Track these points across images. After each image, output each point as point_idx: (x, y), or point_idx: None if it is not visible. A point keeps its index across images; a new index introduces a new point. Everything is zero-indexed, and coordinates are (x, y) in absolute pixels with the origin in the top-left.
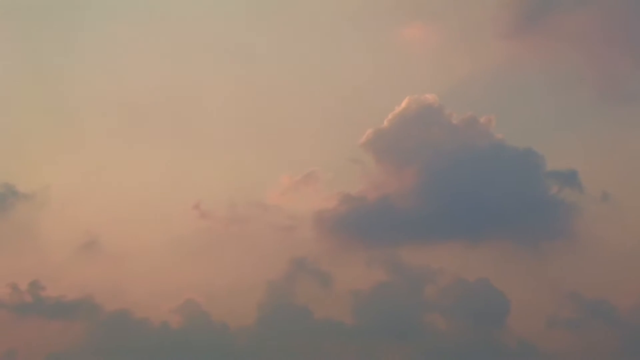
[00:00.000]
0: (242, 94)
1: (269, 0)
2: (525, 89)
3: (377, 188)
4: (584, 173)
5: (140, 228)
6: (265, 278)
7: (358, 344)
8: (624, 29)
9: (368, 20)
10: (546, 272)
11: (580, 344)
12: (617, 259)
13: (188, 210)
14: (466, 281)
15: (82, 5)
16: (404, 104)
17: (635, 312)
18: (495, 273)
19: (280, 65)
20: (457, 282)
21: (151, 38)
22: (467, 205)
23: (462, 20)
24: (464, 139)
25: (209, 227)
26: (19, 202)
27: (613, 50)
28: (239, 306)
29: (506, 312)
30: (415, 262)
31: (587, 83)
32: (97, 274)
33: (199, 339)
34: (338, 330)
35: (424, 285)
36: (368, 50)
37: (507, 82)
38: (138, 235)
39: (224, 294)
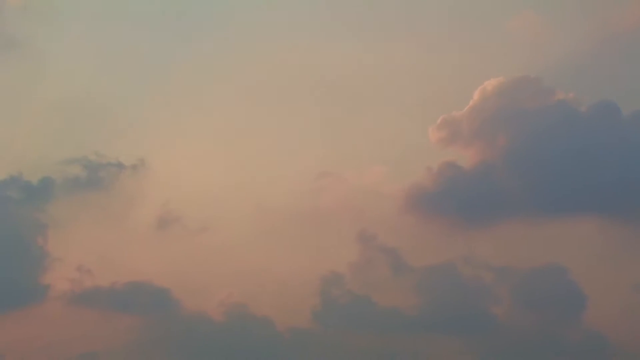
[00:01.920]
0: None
1: None
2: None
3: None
4: None
5: (221, 207)
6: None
7: (423, 336)
8: None
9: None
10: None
11: None
12: None
13: (268, 192)
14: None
15: None
16: (499, 82)
17: None
18: (571, 257)
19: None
20: (533, 269)
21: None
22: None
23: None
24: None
25: (287, 208)
26: (114, 173)
27: None
28: (304, 295)
29: (581, 303)
30: (489, 244)
31: None
32: (162, 256)
33: (249, 329)
34: (402, 321)
35: (496, 271)
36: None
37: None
38: (218, 214)
39: (289, 280)
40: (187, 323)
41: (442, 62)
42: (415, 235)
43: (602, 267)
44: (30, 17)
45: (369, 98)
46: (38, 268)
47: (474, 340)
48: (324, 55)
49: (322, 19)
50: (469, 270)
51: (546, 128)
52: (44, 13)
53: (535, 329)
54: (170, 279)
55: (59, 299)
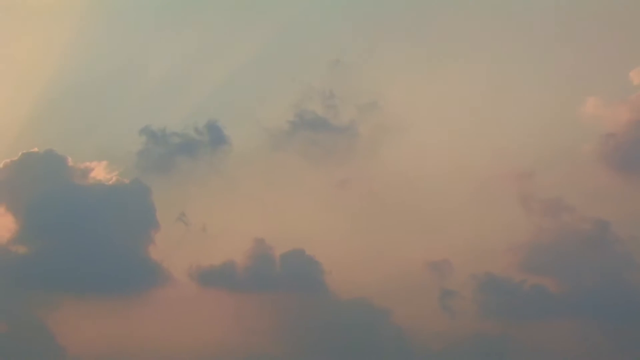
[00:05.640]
0: None
1: None
2: None
3: None
4: None
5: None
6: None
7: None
8: None
9: None
10: None
11: None
12: None
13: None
14: None
15: None
16: None
17: None
18: None
19: None
20: None
21: None
22: None
23: None
24: None
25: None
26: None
27: None
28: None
29: None
30: None
31: None
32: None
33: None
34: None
35: None
36: None
37: None
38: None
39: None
40: (333, 306)
41: None
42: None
43: None
44: None
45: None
46: (177, 241)
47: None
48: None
49: None
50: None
51: None
52: None
53: None
54: (323, 250)
55: (197, 276)
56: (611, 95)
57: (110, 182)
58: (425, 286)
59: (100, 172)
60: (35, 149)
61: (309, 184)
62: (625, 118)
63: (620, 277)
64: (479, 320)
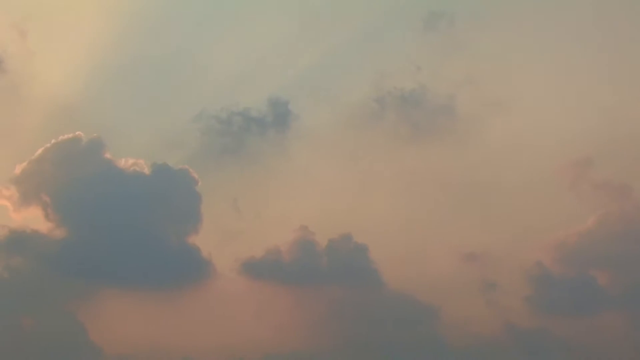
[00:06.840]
0: None
1: None
2: None
3: None
4: None
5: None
6: None
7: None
8: None
9: None
10: None
11: None
12: None
13: None
14: None
15: None
16: None
17: None
18: None
19: None
20: None
21: None
22: None
23: None
24: None
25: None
26: None
27: None
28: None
29: None
30: None
31: None
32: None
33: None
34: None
35: None
36: None
37: None
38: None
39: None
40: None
41: None
42: None
43: None
44: None
45: None
46: (227, 230)
47: None
48: None
49: None
50: None
51: None
52: None
53: None
54: (375, 239)
55: (244, 268)
56: None
57: (157, 169)
58: (470, 278)
59: (148, 160)
60: (81, 134)
61: (382, 165)
62: None
63: None
64: (528, 314)
